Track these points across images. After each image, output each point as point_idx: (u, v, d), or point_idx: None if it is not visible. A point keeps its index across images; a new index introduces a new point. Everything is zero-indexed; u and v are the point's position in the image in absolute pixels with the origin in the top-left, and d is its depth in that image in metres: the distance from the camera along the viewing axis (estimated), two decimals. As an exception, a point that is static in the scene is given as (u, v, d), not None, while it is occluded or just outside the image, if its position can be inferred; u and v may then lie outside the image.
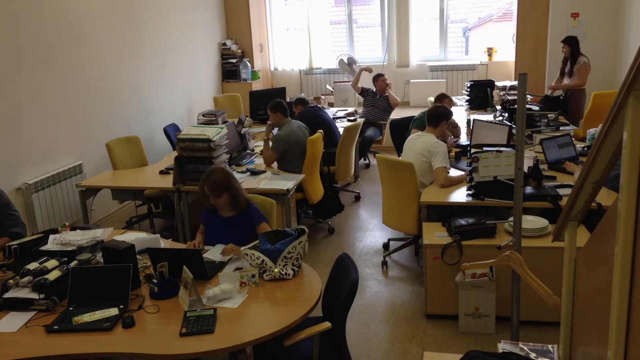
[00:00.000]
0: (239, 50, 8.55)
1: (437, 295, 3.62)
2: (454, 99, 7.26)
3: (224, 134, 4.32)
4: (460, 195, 3.93)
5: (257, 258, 2.80)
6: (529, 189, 3.75)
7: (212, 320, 2.42)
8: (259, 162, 5.08)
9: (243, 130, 5.47)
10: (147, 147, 5.75)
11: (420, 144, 4.27)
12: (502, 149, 3.69)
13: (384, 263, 4.51)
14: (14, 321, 2.53)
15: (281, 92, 6.89)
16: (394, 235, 4.98)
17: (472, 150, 3.80)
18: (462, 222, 3.57)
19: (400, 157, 4.60)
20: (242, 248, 2.94)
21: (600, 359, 1.58)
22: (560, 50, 6.57)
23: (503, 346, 2.19)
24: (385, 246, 4.82)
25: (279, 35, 9.09)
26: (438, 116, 4.38)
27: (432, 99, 5.71)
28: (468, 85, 6.91)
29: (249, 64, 8.45)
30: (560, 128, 5.31)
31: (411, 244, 4.63)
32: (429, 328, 3.58)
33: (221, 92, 8.48)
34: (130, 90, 6.29)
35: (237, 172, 4.64)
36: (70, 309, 2.58)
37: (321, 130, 5.26)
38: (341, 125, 6.42)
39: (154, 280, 2.73)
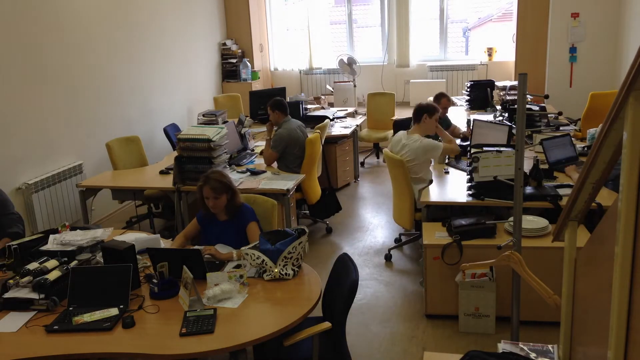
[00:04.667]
0: (239, 50, 8.55)
1: (437, 295, 3.62)
2: (454, 99, 7.27)
3: (224, 134, 4.32)
4: (460, 195, 3.93)
5: (257, 258, 2.80)
6: (529, 189, 3.75)
7: (212, 320, 2.42)
8: (259, 162, 5.08)
9: (243, 130, 5.47)
10: (147, 147, 5.75)
11: (414, 145, 4.29)
12: (502, 149, 3.69)
13: (389, 257, 4.58)
14: (14, 321, 2.53)
15: (281, 92, 6.89)
16: (393, 236, 4.99)
17: (472, 150, 3.80)
18: (462, 222, 3.57)
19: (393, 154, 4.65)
20: (242, 248, 2.94)
21: (600, 359, 1.58)
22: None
23: (503, 346, 2.19)
24: (397, 241, 4.90)
25: (279, 35, 9.09)
26: (419, 111, 4.41)
27: (431, 99, 5.71)
28: (468, 85, 6.91)
29: (249, 64, 8.45)
30: (560, 128, 5.32)
31: (417, 239, 4.65)
32: (429, 328, 3.58)
33: (221, 92, 8.48)
34: (130, 90, 6.29)
35: (237, 172, 4.64)
36: (70, 309, 2.58)
37: (319, 130, 5.26)
38: (342, 125, 6.44)
39: (154, 280, 2.73)
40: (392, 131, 6.30)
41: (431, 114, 4.41)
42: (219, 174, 3.25)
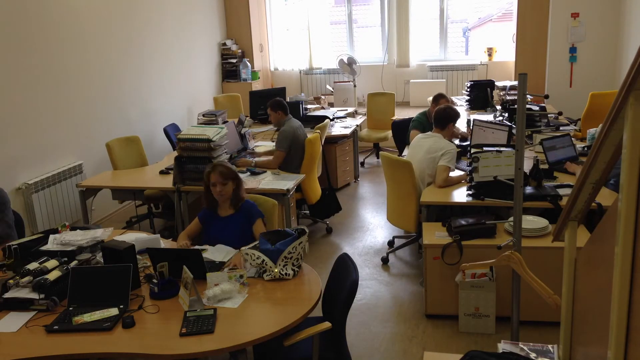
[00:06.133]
0: (239, 50, 8.55)
1: (437, 295, 3.62)
2: (454, 99, 7.26)
3: (224, 134, 4.32)
4: (460, 195, 3.93)
5: (257, 258, 2.81)
6: (529, 189, 3.75)
7: (212, 320, 2.42)
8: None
9: (243, 130, 5.46)
10: (147, 147, 5.75)
11: (429, 143, 4.27)
12: (502, 149, 3.69)
13: (386, 260, 4.53)
14: (14, 321, 2.53)
15: (281, 92, 6.89)
16: (393, 236, 4.99)
17: (472, 150, 3.80)
18: (462, 222, 3.57)
19: (405, 156, 4.59)
20: (243, 248, 2.94)
21: (600, 359, 1.58)
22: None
23: (503, 346, 2.19)
24: (390, 243, 4.85)
25: (279, 35, 9.09)
26: (446, 118, 4.37)
27: (430, 99, 5.71)
28: (468, 85, 6.91)
29: (249, 64, 8.45)
30: (561, 128, 5.32)
31: (415, 241, 4.64)
32: (429, 328, 3.58)
33: (221, 92, 8.48)
34: (130, 91, 6.29)
35: (237, 172, 4.63)
36: (70, 309, 2.58)
37: (319, 130, 5.26)
38: (342, 125, 6.44)
39: (154, 280, 2.73)
40: (391, 131, 6.31)
41: (455, 122, 4.45)
42: (226, 163, 3.37)
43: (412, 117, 5.64)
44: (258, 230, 3.19)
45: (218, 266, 2.96)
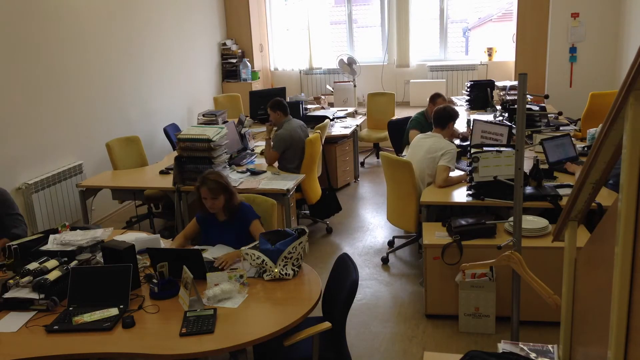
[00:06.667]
0: (239, 50, 8.55)
1: (437, 295, 3.62)
2: (454, 99, 7.26)
3: (224, 134, 4.32)
4: (460, 195, 3.93)
5: (257, 258, 2.81)
6: (529, 189, 3.75)
7: (212, 320, 2.42)
8: (259, 162, 5.08)
9: (243, 130, 5.47)
10: (147, 147, 5.75)
11: (429, 143, 4.27)
12: (502, 149, 3.69)
13: (386, 260, 4.53)
14: (14, 321, 2.53)
15: (281, 92, 6.89)
16: (393, 236, 4.99)
17: (472, 150, 3.80)
18: (462, 222, 3.57)
19: (405, 156, 4.59)
20: (242, 248, 2.94)
21: (600, 359, 1.58)
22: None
23: (503, 346, 2.19)
24: (390, 243, 4.85)
25: (279, 35, 9.09)
26: (446, 117, 4.37)
27: (428, 99, 5.70)
28: (468, 85, 6.91)
29: (249, 64, 8.45)
30: (560, 128, 5.31)
31: (415, 241, 4.64)
32: (429, 328, 3.58)
33: (221, 92, 8.48)
34: (130, 91, 6.29)
35: (237, 172, 4.64)
36: (70, 309, 2.58)
37: (319, 130, 5.26)
38: (342, 125, 6.45)
39: (154, 280, 2.73)
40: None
41: (455, 121, 4.45)
42: (216, 175, 3.23)
43: (409, 117, 5.64)
44: (256, 232, 3.18)
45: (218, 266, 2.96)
